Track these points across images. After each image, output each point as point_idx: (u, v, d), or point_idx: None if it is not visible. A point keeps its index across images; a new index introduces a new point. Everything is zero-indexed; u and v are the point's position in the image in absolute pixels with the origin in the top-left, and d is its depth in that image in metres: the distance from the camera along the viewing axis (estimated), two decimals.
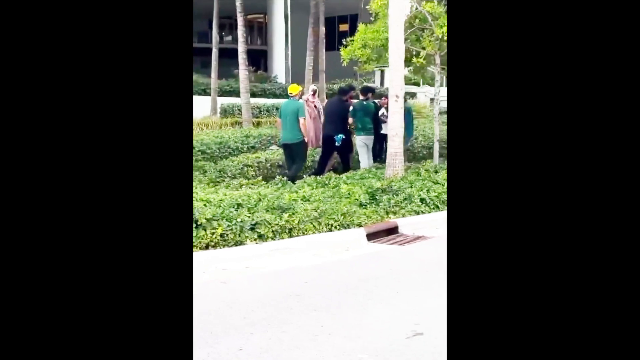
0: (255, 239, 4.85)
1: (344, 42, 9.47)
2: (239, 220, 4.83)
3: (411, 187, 7.10)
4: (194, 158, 11.15)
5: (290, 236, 5.10)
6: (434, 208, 6.84)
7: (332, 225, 5.51)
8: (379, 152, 10.35)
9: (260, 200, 5.65)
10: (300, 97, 9.22)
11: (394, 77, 7.54)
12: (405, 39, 8.03)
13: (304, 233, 5.23)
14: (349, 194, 6.45)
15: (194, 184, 8.19)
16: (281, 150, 9.78)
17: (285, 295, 3.95)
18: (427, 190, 6.97)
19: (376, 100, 10.62)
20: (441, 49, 8.58)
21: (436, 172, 8.26)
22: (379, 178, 7.61)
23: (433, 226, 6.33)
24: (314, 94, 10.24)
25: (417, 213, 6.61)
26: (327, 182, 7.55)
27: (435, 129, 9.12)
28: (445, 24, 8.01)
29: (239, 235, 4.77)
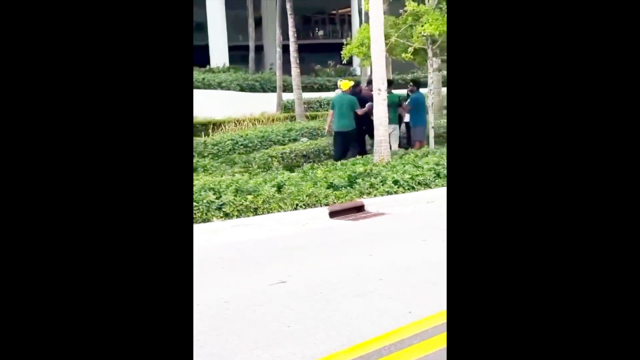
0: (221, 217, 5.91)
1: (345, 42, 10.36)
2: (204, 201, 5.91)
3: (391, 171, 7.93)
4: (236, 151, 12.44)
5: (255, 214, 6.12)
6: (408, 189, 7.65)
7: (297, 205, 6.49)
8: (405, 138, 11.33)
9: (230, 185, 6.66)
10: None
11: (376, 72, 8.38)
12: (397, 36, 8.84)
13: (268, 212, 6.23)
14: (325, 178, 7.38)
15: (219, 173, 9.36)
16: (309, 142, 10.89)
17: (220, 258, 4.99)
18: (403, 173, 7.78)
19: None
20: (433, 43, 9.31)
21: (425, 156, 9.02)
22: (366, 164, 8.47)
23: (401, 204, 7.18)
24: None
25: (389, 194, 7.45)
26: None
27: (430, 116, 9.83)
28: (430, 21, 8.73)
29: (206, 214, 5.84)
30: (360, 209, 6.93)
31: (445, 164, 8.39)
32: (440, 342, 2.95)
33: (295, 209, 6.45)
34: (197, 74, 20.66)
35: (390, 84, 11.12)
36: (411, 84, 11.66)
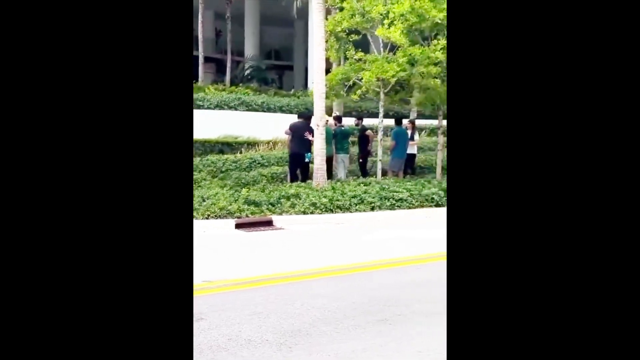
0: None
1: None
2: None
3: (314, 195, 9.30)
4: (252, 169, 13.87)
5: None
6: (325, 211, 9.00)
7: (208, 215, 8.05)
8: (408, 168, 12.64)
9: None
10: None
11: (316, 110, 9.85)
12: (341, 79, 10.27)
13: None
14: (247, 196, 8.89)
15: (204, 186, 11.01)
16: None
17: None
18: (321, 197, 9.14)
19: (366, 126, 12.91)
20: (385, 86, 10.63)
21: (367, 184, 10.28)
22: (304, 187, 9.87)
23: (308, 223, 8.55)
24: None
25: (305, 213, 8.84)
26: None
27: (379, 151, 11.11)
28: (372, 69, 10.08)
29: None
30: (269, 223, 8.38)
31: (378, 192, 9.65)
32: None
33: (207, 218, 8.02)
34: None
35: (339, 119, 12.44)
36: (356, 117, 13.17)
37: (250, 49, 29.20)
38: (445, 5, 9.73)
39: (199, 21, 23.15)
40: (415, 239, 7.36)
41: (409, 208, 9.50)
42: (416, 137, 13.37)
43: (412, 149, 12.67)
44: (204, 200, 8.50)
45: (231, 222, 8.03)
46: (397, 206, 9.46)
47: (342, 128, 11.99)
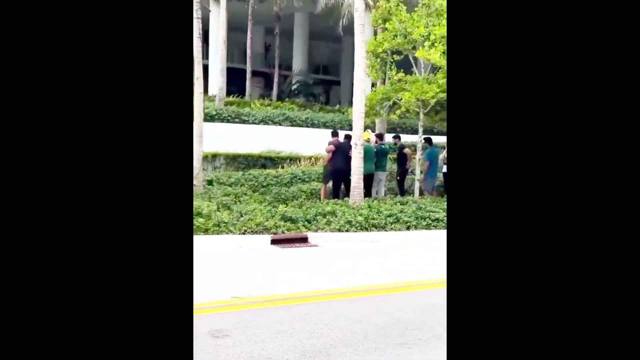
0: None
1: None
2: None
3: (350, 213, 9.42)
4: (293, 184, 14.15)
5: (205, 234, 7.99)
6: (360, 229, 9.11)
7: (246, 230, 8.27)
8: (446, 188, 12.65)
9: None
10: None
11: (355, 130, 9.98)
12: (381, 99, 10.40)
13: (218, 233, 8.08)
14: (284, 213, 9.08)
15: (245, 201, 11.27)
16: None
17: None
18: (357, 215, 9.25)
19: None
20: (425, 106, 10.71)
21: (405, 204, 10.34)
22: (338, 204, 10.00)
23: (342, 240, 8.67)
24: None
25: (340, 231, 8.97)
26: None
27: (416, 169, 11.15)
28: (412, 89, 10.19)
29: None
30: (304, 240, 8.54)
31: (415, 211, 9.72)
32: None
33: (243, 233, 8.25)
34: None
35: (381, 137, 12.63)
36: (393, 136, 13.31)
37: (298, 63, 29.64)
38: None
39: (248, 36, 23.69)
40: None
41: (445, 228, 9.50)
42: None
43: None
44: (241, 216, 8.74)
45: (267, 238, 8.22)
46: (433, 226, 9.50)
47: (382, 146, 12.11)
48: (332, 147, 11.59)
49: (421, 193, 12.10)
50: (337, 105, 25.17)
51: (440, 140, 17.97)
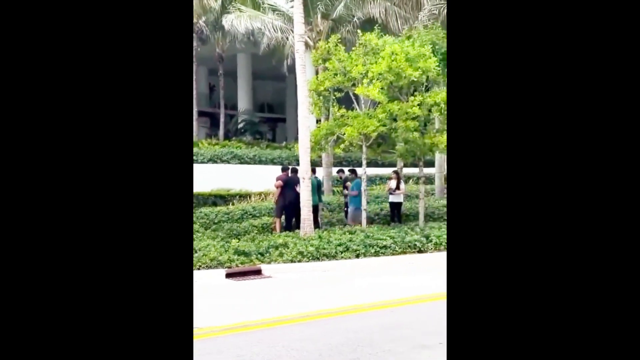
0: None
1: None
2: None
3: (302, 244, 9.76)
4: (244, 220, 14.17)
5: None
6: (311, 259, 9.45)
7: (200, 266, 8.50)
8: (396, 215, 13.10)
9: None
10: None
11: (302, 164, 10.44)
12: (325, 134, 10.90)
13: None
14: (237, 247, 9.35)
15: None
16: None
17: None
18: (308, 246, 9.60)
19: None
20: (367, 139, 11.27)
21: (353, 233, 10.76)
22: (292, 237, 10.35)
23: (295, 271, 8.99)
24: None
25: (292, 262, 9.28)
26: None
27: (363, 200, 11.67)
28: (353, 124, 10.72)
29: None
30: (258, 272, 8.81)
31: (363, 240, 10.14)
32: None
33: (198, 269, 8.47)
34: None
35: (313, 170, 12.95)
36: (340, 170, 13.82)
37: (243, 102, 30.12)
38: (420, 64, 10.45)
39: (193, 78, 24.06)
40: (395, 285, 7.80)
41: (393, 254, 9.95)
42: (402, 186, 13.91)
43: (398, 198, 13.20)
44: (195, 252, 8.95)
45: (222, 272, 8.47)
46: (382, 253, 9.92)
47: (316, 179, 12.52)
48: (280, 182, 11.96)
49: (370, 222, 12.50)
50: (284, 142, 25.68)
51: (383, 171, 18.61)
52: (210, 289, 7.68)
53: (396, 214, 13.18)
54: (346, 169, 14.49)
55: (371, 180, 18.37)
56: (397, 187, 13.13)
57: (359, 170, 12.73)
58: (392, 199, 13.12)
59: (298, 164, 11.15)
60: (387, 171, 14.70)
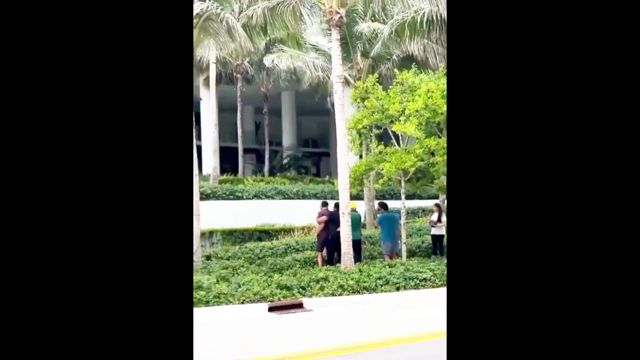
0: None
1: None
2: None
3: (342, 277, 10.00)
4: (288, 254, 14.47)
5: (206, 306, 8.55)
6: (352, 292, 9.68)
7: (244, 300, 8.84)
8: (438, 248, 13.21)
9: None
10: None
11: (342, 200, 10.75)
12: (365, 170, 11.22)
13: (219, 304, 8.63)
14: (280, 281, 9.67)
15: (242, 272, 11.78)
16: None
17: None
18: (348, 279, 9.84)
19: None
20: (405, 175, 11.54)
21: (392, 266, 10.94)
22: (332, 271, 10.60)
23: (336, 304, 9.23)
24: None
25: (333, 295, 9.53)
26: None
27: (402, 232, 11.86)
28: (392, 160, 11.02)
29: None
30: (299, 306, 9.09)
31: (403, 273, 10.32)
32: None
33: (242, 303, 8.81)
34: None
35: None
36: (378, 203, 13.85)
37: (287, 139, 30.80)
38: None
39: (238, 117, 24.83)
40: (434, 317, 7.94)
41: (433, 287, 10.08)
42: (443, 218, 14.00)
43: (439, 230, 13.28)
44: (239, 286, 9.31)
45: (265, 306, 8.78)
46: (421, 285, 10.06)
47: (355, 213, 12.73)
48: (324, 217, 12.27)
49: (411, 255, 12.65)
50: (327, 177, 26.10)
51: (423, 204, 18.68)
52: (253, 323, 8.00)
53: (438, 247, 13.27)
54: (376, 202, 14.64)
55: (413, 213, 18.53)
56: (439, 220, 13.25)
57: (398, 204, 12.91)
58: (434, 231, 13.24)
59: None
60: (429, 203, 14.83)
